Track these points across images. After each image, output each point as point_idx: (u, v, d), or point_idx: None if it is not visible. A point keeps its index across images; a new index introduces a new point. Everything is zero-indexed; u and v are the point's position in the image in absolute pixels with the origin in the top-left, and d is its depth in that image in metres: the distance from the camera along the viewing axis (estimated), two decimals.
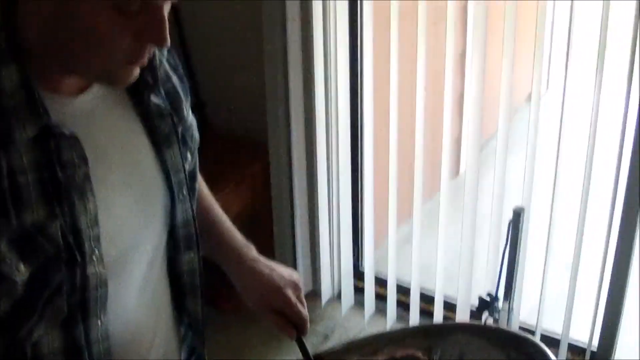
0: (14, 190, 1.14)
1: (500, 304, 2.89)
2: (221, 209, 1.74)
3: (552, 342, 3.21)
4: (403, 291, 3.59)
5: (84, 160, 1.22)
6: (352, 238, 3.65)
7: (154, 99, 1.37)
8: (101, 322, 1.30)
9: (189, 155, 1.48)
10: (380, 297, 3.66)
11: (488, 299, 2.90)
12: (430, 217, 3.60)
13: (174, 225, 1.46)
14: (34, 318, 1.21)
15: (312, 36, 3.18)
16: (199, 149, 1.55)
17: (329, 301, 3.74)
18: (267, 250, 1.76)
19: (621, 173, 2.82)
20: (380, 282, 3.65)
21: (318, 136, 3.35)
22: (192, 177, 1.50)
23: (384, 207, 3.51)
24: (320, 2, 3.16)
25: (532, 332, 3.21)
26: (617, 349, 3.11)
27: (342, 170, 3.48)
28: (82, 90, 1.27)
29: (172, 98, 1.43)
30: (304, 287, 1.72)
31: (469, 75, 3.19)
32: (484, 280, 3.26)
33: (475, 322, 2.88)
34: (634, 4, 2.58)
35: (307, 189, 3.49)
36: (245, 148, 3.61)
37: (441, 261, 3.43)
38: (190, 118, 1.50)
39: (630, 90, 2.69)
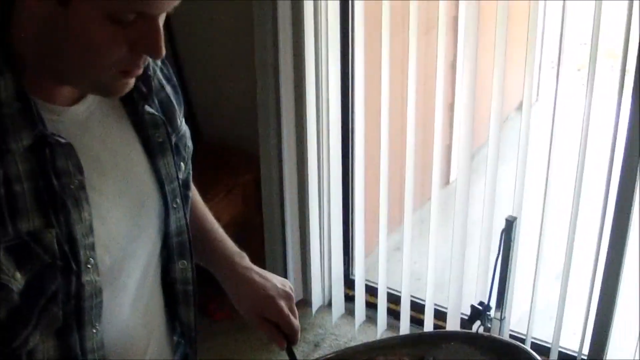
0: (10, 198, 1.15)
1: (492, 312, 2.89)
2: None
3: (543, 351, 3.22)
4: (394, 299, 3.58)
5: (79, 169, 1.22)
6: (343, 246, 3.65)
7: (148, 108, 1.38)
8: (96, 330, 1.30)
9: (182, 165, 1.48)
10: (371, 306, 3.66)
11: (480, 307, 2.90)
12: (420, 226, 3.61)
13: (168, 234, 1.46)
14: (29, 327, 1.21)
15: (303, 49, 3.18)
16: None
17: (320, 309, 3.73)
18: (257, 258, 1.76)
19: (612, 182, 2.83)
20: (371, 291, 3.65)
21: (309, 145, 3.35)
22: (185, 186, 1.51)
23: (374, 215, 3.51)
24: (312, 18, 3.16)
25: (523, 341, 3.22)
26: (607, 357, 3.11)
27: (333, 179, 3.48)
28: (76, 99, 1.27)
29: (166, 108, 1.43)
30: (295, 295, 1.73)
31: (459, 83, 3.19)
32: (475, 288, 3.27)
33: (467, 331, 2.88)
34: (625, 13, 2.59)
35: (298, 197, 3.49)
36: (236, 157, 3.61)
37: (432, 269, 3.43)
38: (184, 127, 1.51)
39: (621, 99, 2.70)
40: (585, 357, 3.17)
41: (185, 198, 1.50)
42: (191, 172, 1.55)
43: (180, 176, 1.47)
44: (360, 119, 3.36)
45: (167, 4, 1.16)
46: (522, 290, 3.22)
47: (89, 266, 1.25)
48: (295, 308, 1.67)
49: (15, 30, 1.18)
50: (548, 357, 3.21)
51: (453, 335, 2.07)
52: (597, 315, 3.05)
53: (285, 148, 3.35)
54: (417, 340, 1.75)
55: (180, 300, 1.55)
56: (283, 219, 3.52)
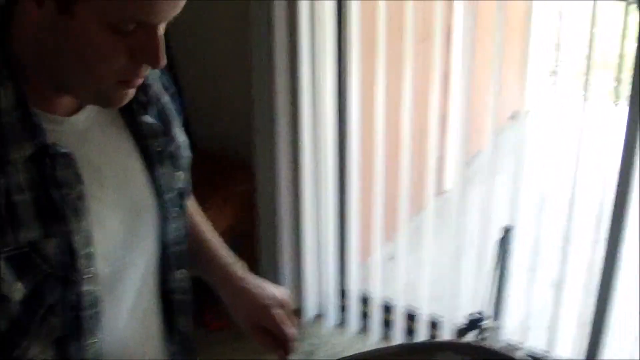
0: (10, 209, 1.15)
1: (488, 322, 2.89)
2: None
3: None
4: (388, 309, 3.58)
5: (79, 179, 1.22)
6: (337, 256, 3.65)
7: (146, 118, 1.38)
8: (95, 340, 1.30)
9: (180, 174, 1.48)
10: (365, 316, 3.66)
11: (477, 317, 2.89)
12: (415, 235, 3.60)
13: (166, 244, 1.46)
14: (29, 337, 1.21)
15: (299, 60, 3.18)
16: None
17: (314, 319, 3.73)
18: (252, 267, 1.76)
19: (606, 191, 2.84)
20: (365, 300, 3.65)
21: (304, 154, 3.35)
22: (183, 196, 1.50)
23: (369, 225, 3.51)
24: (308, 33, 3.17)
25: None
26: None
27: (328, 188, 3.48)
28: (76, 109, 1.27)
29: (164, 117, 1.43)
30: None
31: (454, 93, 3.20)
32: (470, 298, 3.26)
33: (462, 341, 2.87)
34: (620, 24, 2.60)
35: (292, 206, 3.48)
36: (230, 167, 3.60)
37: (426, 279, 3.42)
38: (181, 137, 1.50)
39: (616, 108, 2.71)
40: None
41: (183, 208, 1.50)
42: (190, 181, 1.55)
43: (179, 185, 1.47)
44: (356, 128, 3.37)
45: (167, 14, 1.16)
46: (517, 299, 3.22)
47: (88, 276, 1.25)
48: (291, 317, 1.67)
49: (15, 40, 1.18)
50: None
51: (448, 345, 2.07)
52: (591, 323, 3.05)
53: (280, 157, 3.35)
54: (412, 350, 1.74)
55: (178, 310, 1.55)
56: (277, 229, 3.51)
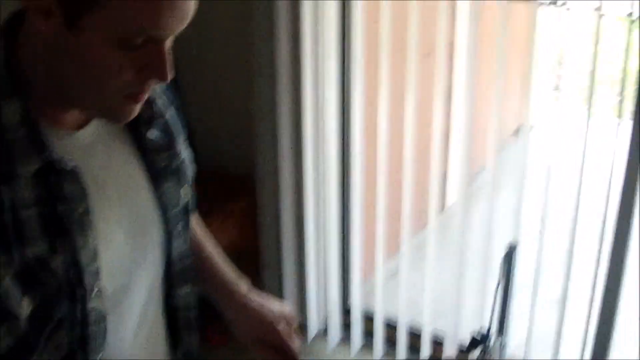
0: (17, 224, 1.14)
1: (492, 340, 2.87)
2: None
3: None
4: (391, 327, 3.57)
5: (85, 194, 1.21)
6: (340, 273, 3.64)
7: (151, 134, 1.38)
8: (101, 357, 1.29)
9: (184, 190, 1.47)
10: (368, 333, 3.65)
11: (481, 334, 2.88)
12: (418, 252, 3.59)
13: (171, 259, 1.45)
14: (35, 354, 1.20)
15: (302, 77, 3.19)
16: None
17: (316, 336, 3.71)
18: (254, 284, 1.75)
19: (610, 206, 2.83)
20: (368, 318, 3.63)
21: (306, 169, 3.35)
22: (188, 211, 1.50)
23: (372, 242, 3.50)
24: (309, 43, 3.17)
25: None
26: None
27: (330, 205, 3.48)
28: (82, 125, 1.27)
29: (168, 133, 1.43)
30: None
31: (457, 108, 3.20)
32: (473, 315, 3.25)
33: (466, 358, 2.86)
34: (623, 40, 2.60)
35: (295, 223, 3.48)
36: (232, 183, 3.60)
37: (429, 296, 3.41)
38: (185, 152, 1.50)
39: (620, 123, 2.71)
40: None
41: (188, 223, 1.50)
42: (194, 197, 1.55)
43: (184, 200, 1.46)
44: (358, 143, 3.36)
45: (174, 28, 1.16)
46: (520, 317, 3.21)
47: (94, 292, 1.24)
48: (295, 332, 1.66)
49: (22, 55, 1.18)
50: None
51: None
52: (594, 341, 3.04)
53: (282, 173, 3.35)
54: None
55: (183, 326, 1.54)
56: (280, 246, 3.50)
